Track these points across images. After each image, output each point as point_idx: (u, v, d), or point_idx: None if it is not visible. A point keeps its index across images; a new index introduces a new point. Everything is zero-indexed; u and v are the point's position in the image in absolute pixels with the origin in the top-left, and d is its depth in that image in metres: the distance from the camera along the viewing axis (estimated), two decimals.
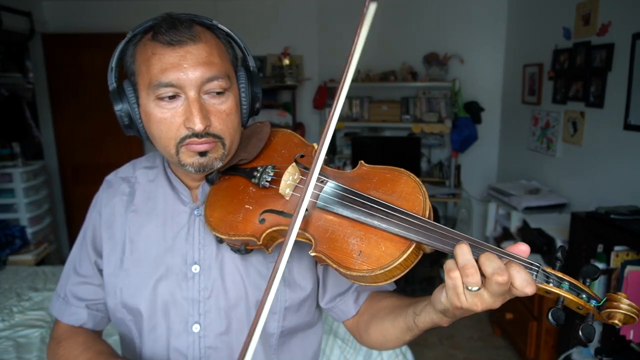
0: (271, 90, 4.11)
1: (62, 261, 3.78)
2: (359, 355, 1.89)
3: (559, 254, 0.59)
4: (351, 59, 0.58)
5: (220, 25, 0.79)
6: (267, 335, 0.85)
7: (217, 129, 0.75)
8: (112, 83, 0.78)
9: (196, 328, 0.81)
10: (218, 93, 0.75)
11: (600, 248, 2.13)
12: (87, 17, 4.04)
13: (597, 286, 2.11)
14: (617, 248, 2.01)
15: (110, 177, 0.93)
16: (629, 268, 1.88)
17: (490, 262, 0.55)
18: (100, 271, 0.89)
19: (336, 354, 1.89)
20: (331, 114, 0.61)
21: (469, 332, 3.10)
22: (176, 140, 0.74)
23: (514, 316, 2.76)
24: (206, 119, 0.73)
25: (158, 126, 0.74)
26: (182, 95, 0.73)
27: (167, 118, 0.73)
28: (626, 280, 1.88)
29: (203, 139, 0.73)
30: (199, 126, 0.71)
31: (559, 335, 2.42)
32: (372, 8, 0.55)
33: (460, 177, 3.92)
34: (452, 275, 0.57)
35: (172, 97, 0.73)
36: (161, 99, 0.73)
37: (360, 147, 3.92)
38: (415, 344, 2.88)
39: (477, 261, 0.57)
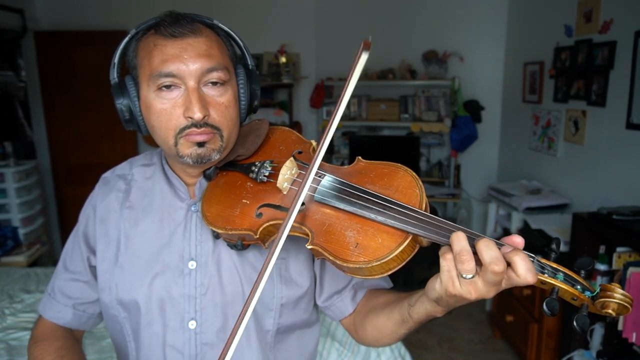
0: (267, 89, 4.08)
1: (54, 262, 3.72)
2: (357, 358, 1.86)
3: (553, 246, 0.60)
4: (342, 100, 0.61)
5: (220, 25, 0.82)
6: (263, 331, 0.85)
7: (215, 120, 0.77)
8: (113, 78, 0.80)
9: (192, 325, 0.82)
10: (217, 84, 0.77)
11: (602, 249, 2.11)
12: (80, 14, 4.00)
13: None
14: (619, 249, 2.00)
15: (107, 174, 0.94)
16: (631, 269, 1.86)
17: (489, 249, 0.56)
18: (92, 267, 0.90)
19: (334, 356, 1.86)
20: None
21: (469, 335, 3.07)
22: (175, 130, 0.76)
23: (514, 318, 2.73)
24: (205, 109, 0.74)
25: (158, 117, 0.76)
26: (182, 86, 0.75)
27: (166, 109, 0.75)
28: (628, 282, 1.86)
29: (202, 129, 0.75)
30: (197, 115, 0.73)
31: (560, 337, 2.39)
32: (363, 57, 0.57)
33: (460, 177, 3.89)
34: (447, 256, 0.59)
35: (171, 87, 0.75)
36: (161, 89, 0.75)
37: (358, 147, 3.88)
38: (415, 347, 2.85)
39: (474, 248, 0.57)
